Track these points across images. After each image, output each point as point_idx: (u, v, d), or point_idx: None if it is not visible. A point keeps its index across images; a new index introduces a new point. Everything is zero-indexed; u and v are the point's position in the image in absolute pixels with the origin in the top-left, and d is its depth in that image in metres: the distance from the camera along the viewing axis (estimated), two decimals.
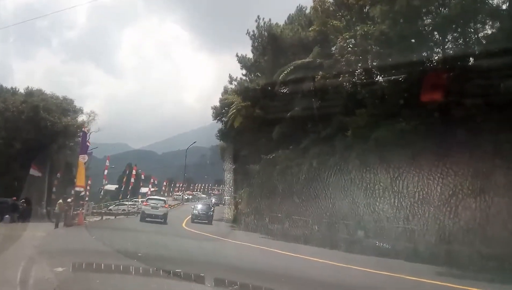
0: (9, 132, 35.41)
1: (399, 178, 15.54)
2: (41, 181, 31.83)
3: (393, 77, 18.79)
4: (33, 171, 31.19)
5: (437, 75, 16.72)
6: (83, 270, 6.42)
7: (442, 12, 17.99)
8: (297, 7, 31.30)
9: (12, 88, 46.42)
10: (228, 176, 30.04)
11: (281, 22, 30.51)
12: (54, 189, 34.19)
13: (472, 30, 17.96)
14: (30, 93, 39.83)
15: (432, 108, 16.20)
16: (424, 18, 18.47)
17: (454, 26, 17.89)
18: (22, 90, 42.31)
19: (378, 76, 20.50)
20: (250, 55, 32.04)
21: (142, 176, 68.09)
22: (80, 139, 31.86)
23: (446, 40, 18.77)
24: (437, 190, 14.70)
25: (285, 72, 23.89)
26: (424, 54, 18.65)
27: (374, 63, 20.31)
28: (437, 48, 19.20)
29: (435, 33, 18.76)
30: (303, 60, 23.87)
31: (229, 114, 30.10)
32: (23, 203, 26.90)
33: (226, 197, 57.40)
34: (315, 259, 12.44)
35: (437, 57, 18.96)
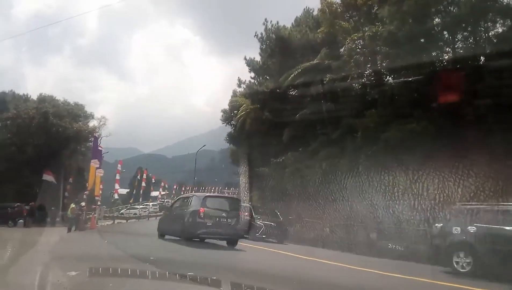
0: (21, 138, 35.92)
1: (411, 179, 15.38)
2: (55, 186, 32.20)
3: (402, 78, 18.70)
4: (46, 177, 31.58)
5: (447, 75, 16.60)
6: (98, 275, 6.46)
7: (452, 11, 17.88)
8: (304, 9, 31.32)
9: (24, 94, 47.31)
10: (239, 180, 29.81)
11: (289, 25, 30.53)
12: (66, 194, 34.58)
13: (482, 28, 17.82)
14: (42, 99, 40.39)
15: (443, 108, 16.08)
16: (433, 17, 18.37)
17: (464, 25, 17.78)
18: (34, 97, 43.09)
19: (388, 76, 20.42)
20: (258, 58, 32.12)
21: (153, 179, 68.46)
22: (91, 144, 32.29)
23: (456, 39, 18.67)
24: (445, 192, 14.56)
25: (293, 74, 23.91)
26: (434, 54, 18.54)
27: (383, 64, 20.26)
28: (447, 48, 19.11)
29: (445, 32, 18.67)
30: (311, 62, 23.86)
31: (238, 117, 30.15)
32: (34, 208, 27.36)
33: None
34: (330, 262, 12.35)
35: (447, 56, 18.83)
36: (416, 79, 17.77)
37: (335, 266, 11.51)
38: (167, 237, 14.72)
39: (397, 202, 15.75)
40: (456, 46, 18.82)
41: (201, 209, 13.27)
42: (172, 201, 22.77)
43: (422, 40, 18.21)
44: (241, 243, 14.11)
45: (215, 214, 13.37)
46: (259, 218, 19.62)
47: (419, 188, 15.06)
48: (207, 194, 17.20)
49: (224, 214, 13.48)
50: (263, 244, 16.82)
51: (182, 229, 13.79)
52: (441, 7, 18.28)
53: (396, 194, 15.79)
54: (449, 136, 15.05)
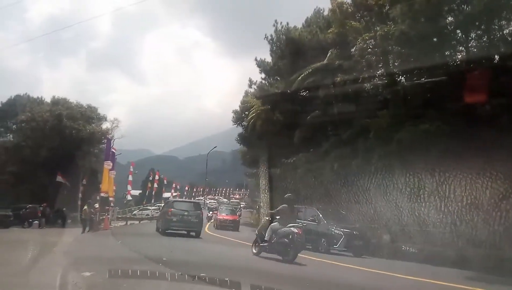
0: (36, 141, 36.49)
1: (424, 180, 15.18)
2: (69, 187, 32.64)
3: (415, 77, 18.51)
4: (60, 179, 32.03)
5: (460, 74, 16.38)
6: (117, 276, 6.51)
7: (465, 9, 17.63)
8: (315, 9, 31.19)
9: (38, 97, 47.99)
10: (249, 181, 29.68)
11: (299, 26, 30.42)
12: (80, 195, 35.01)
13: (496, 27, 17.54)
14: (55, 102, 40.94)
15: (456, 108, 15.85)
16: (446, 16, 18.14)
17: (477, 23, 17.52)
18: (48, 100, 43.73)
19: (400, 76, 20.22)
20: (269, 58, 32.07)
21: (165, 181, 68.93)
22: (104, 146, 32.64)
23: (469, 38, 18.39)
24: (458, 193, 14.39)
25: (304, 74, 23.83)
26: (447, 53, 18.32)
27: (396, 64, 20.07)
28: (460, 47, 18.84)
29: (458, 31, 18.41)
30: (321, 62, 23.76)
31: (248, 118, 30.16)
32: (46, 209, 27.76)
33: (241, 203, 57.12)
34: (341, 264, 12.27)
35: (460, 56, 18.58)
36: (429, 79, 17.58)
37: (347, 268, 11.44)
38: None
39: (411, 203, 15.54)
40: (469, 45, 18.55)
41: (170, 210, 18.94)
42: (163, 205, 28.18)
43: (435, 39, 17.99)
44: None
45: (180, 213, 18.68)
46: (333, 224, 15.80)
47: (434, 189, 14.85)
48: (176, 199, 26.45)
49: (186, 213, 18.72)
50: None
51: (162, 224, 19.62)
52: (454, 5, 18.03)
53: (410, 195, 15.59)
54: (463, 137, 14.82)
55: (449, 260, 13.11)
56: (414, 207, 15.51)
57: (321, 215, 16.37)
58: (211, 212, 32.68)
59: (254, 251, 11.90)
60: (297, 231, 10.92)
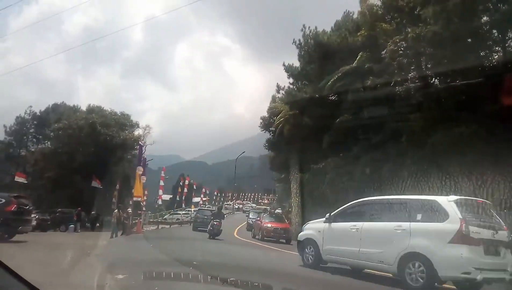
0: (72, 147, 37.91)
1: (460, 184, 14.65)
2: (102, 192, 33.62)
3: (449, 80, 17.97)
4: (95, 183, 33.02)
5: (497, 75, 15.77)
6: (149, 278, 6.63)
7: (501, 7, 16.99)
8: (344, 12, 30.86)
9: (74, 106, 49.90)
10: (277, 186, 29.49)
11: (328, 29, 30.16)
12: (113, 200, 35.97)
13: None
14: (90, 110, 42.44)
15: (493, 110, 15.25)
16: (481, 15, 17.54)
17: None
18: (84, 108, 45.39)
19: (433, 78, 19.68)
20: (297, 63, 31.95)
21: (194, 186, 69.75)
22: (137, 152, 33.45)
23: (506, 38, 17.71)
24: (496, 196, 13.78)
25: (333, 78, 23.57)
26: (482, 54, 17.69)
27: (428, 66, 19.56)
28: (496, 47, 18.16)
29: (494, 31, 17.76)
30: (351, 65, 23.44)
31: (276, 123, 30.12)
32: (81, 213, 28.63)
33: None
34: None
35: (496, 56, 17.91)
36: (463, 80, 17.02)
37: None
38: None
39: None
40: (506, 45, 17.85)
41: (197, 215, 30.98)
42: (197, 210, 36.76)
43: (469, 39, 17.42)
44: None
45: (202, 217, 28.03)
46: None
47: (471, 193, 14.28)
48: (200, 208, 39.07)
49: (206, 217, 26.50)
50: None
51: (193, 224, 29.56)
52: (490, 4, 17.42)
53: None
54: (501, 140, 14.22)
55: None
56: None
57: None
58: (254, 220, 27.03)
59: (207, 235, 19.64)
60: (216, 223, 19.88)
